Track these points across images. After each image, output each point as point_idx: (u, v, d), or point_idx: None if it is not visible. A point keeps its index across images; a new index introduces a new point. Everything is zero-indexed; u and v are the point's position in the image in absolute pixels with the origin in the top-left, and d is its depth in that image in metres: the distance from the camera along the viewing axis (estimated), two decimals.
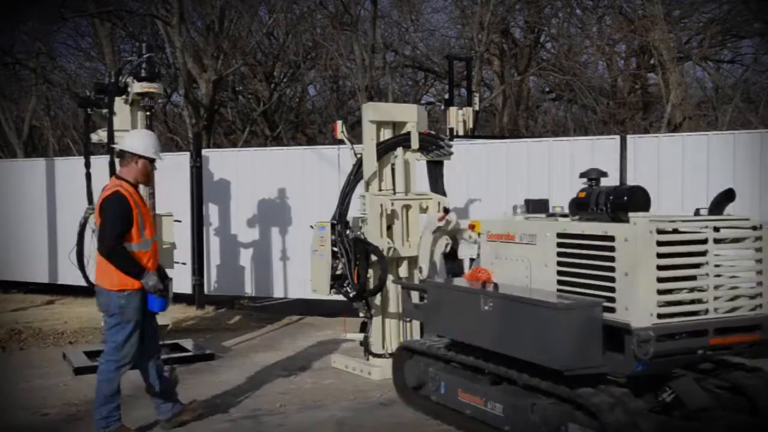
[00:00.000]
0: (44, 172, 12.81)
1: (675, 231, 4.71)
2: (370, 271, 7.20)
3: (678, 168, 9.47)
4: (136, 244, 5.35)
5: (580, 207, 5.14)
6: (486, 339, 5.09)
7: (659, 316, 4.45)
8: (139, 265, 5.34)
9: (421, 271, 6.37)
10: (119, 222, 5.27)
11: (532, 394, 4.93)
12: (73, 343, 8.96)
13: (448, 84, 9.24)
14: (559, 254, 5.01)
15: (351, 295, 7.24)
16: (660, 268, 4.48)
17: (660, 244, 4.49)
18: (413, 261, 7.48)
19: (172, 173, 11.25)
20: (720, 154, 9.28)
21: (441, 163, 7.69)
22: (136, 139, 5.61)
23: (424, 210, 7.39)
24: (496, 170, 10.17)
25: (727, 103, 15.60)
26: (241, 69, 17.76)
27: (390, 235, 7.17)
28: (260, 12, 17.61)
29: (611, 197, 4.87)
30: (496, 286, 5.32)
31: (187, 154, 11.50)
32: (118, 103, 7.55)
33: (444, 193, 7.59)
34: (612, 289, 4.58)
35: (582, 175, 5.37)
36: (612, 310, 4.54)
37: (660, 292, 4.46)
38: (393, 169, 7.49)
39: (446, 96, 8.73)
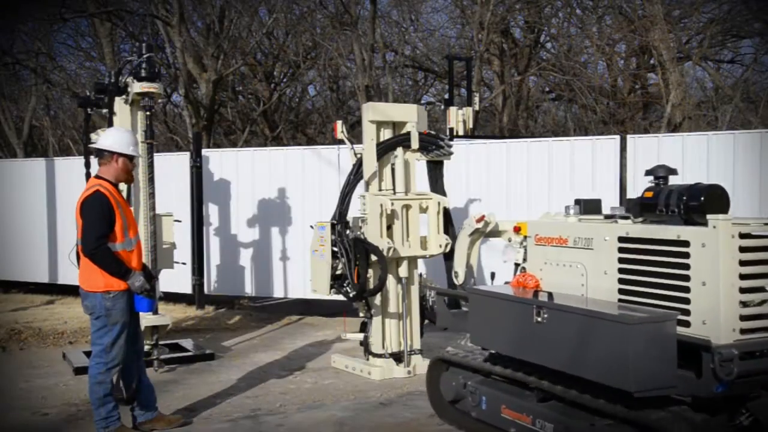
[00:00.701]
0: (44, 172, 12.81)
1: (760, 236, 4.16)
2: (370, 271, 7.20)
3: (678, 168, 9.43)
4: (119, 243, 5.26)
5: (646, 208, 4.57)
6: (539, 354, 4.61)
7: (742, 331, 3.98)
8: (124, 266, 5.25)
9: (456, 276, 6.00)
10: (101, 222, 5.17)
11: (588, 414, 4.47)
12: (73, 343, 8.95)
13: (448, 84, 9.24)
14: (622, 260, 4.51)
15: (351, 295, 7.25)
16: (743, 277, 4.00)
17: (743, 249, 4.00)
18: (413, 261, 7.48)
19: (172, 173, 11.29)
20: (720, 154, 9.28)
21: (441, 163, 7.69)
22: (112, 136, 5.49)
23: (424, 210, 7.39)
24: (496, 170, 10.18)
25: (727, 103, 15.60)
26: (241, 69, 17.76)
27: (390, 235, 7.17)
28: (260, 12, 17.60)
29: (685, 197, 4.31)
30: (550, 295, 4.80)
31: (187, 154, 11.50)
32: (118, 103, 7.55)
33: (444, 193, 7.59)
34: (686, 301, 4.09)
35: (648, 173, 4.88)
36: (686, 324, 4.06)
37: (743, 303, 3.99)
38: (393, 169, 7.48)
39: (446, 96, 8.73)
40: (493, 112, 18.12)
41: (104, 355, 5.27)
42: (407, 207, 7.34)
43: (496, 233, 5.95)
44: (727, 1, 15.56)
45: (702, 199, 4.27)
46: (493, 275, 6.15)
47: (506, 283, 5.49)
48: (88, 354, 7.80)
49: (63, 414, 6.20)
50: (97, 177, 5.44)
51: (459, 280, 6.02)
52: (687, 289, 4.11)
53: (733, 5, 15.51)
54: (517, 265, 5.53)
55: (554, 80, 17.19)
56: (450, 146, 7.57)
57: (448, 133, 7.69)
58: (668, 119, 14.08)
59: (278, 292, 11.28)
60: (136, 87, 7.36)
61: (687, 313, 4.09)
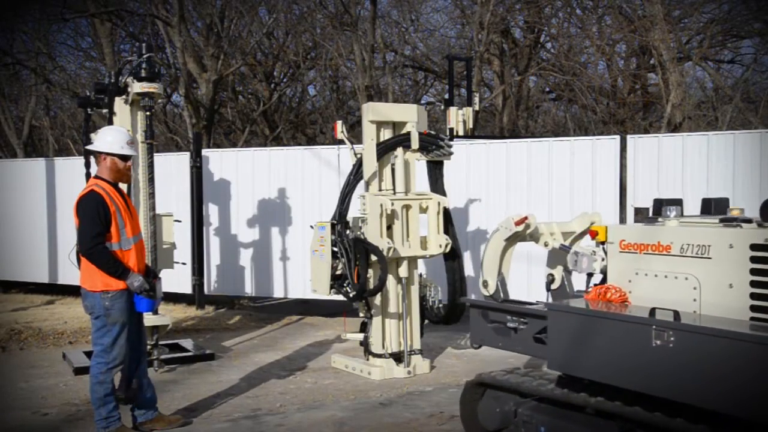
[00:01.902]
0: (44, 172, 12.81)
1: None
2: (370, 271, 7.20)
3: (678, 168, 9.48)
4: (116, 243, 5.25)
5: None
6: (655, 383, 3.94)
7: None
8: (122, 266, 5.23)
9: (486, 286, 5.48)
10: (95, 221, 5.15)
11: None
12: (73, 343, 8.96)
13: (448, 84, 9.23)
14: (755, 272, 3.86)
15: (351, 295, 7.25)
16: None
17: None
18: (413, 261, 7.48)
19: (172, 173, 11.30)
20: (720, 154, 9.28)
21: (441, 163, 7.68)
22: (101, 137, 5.48)
23: (424, 210, 7.39)
24: (496, 170, 10.18)
25: (727, 103, 15.60)
26: (241, 69, 17.76)
27: (390, 235, 7.17)
28: (260, 12, 17.61)
29: None
30: (677, 314, 3.99)
31: (187, 154, 11.50)
32: (118, 103, 7.55)
33: (444, 193, 7.59)
34: None
35: None
36: None
37: None
38: (393, 169, 7.49)
39: (446, 96, 8.72)
40: (493, 112, 18.12)
41: (105, 355, 5.27)
42: (407, 207, 7.34)
43: (531, 237, 5.42)
44: (727, 1, 15.57)
45: None
46: (548, 286, 5.51)
47: (578, 293, 4.96)
48: (88, 354, 7.82)
49: (63, 414, 6.20)
50: (96, 177, 5.45)
51: (489, 290, 5.50)
52: None
53: (733, 5, 15.52)
54: (590, 275, 4.94)
55: (554, 80, 17.20)
56: (450, 146, 7.57)
57: (448, 133, 7.68)
58: (668, 119, 14.08)
59: (278, 292, 11.29)
60: (136, 87, 7.35)
61: None
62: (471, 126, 7.89)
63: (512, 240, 5.39)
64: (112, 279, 5.21)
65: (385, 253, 6.98)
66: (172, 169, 11.34)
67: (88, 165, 7.74)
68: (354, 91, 17.94)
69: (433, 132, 7.73)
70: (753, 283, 3.89)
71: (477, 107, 8.21)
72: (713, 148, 9.33)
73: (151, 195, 7.53)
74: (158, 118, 17.21)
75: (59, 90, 18.77)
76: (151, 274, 5.59)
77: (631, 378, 4.07)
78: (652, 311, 4.07)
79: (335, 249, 7.29)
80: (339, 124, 7.87)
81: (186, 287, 11.16)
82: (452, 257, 7.45)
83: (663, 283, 4.29)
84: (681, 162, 9.47)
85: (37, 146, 21.31)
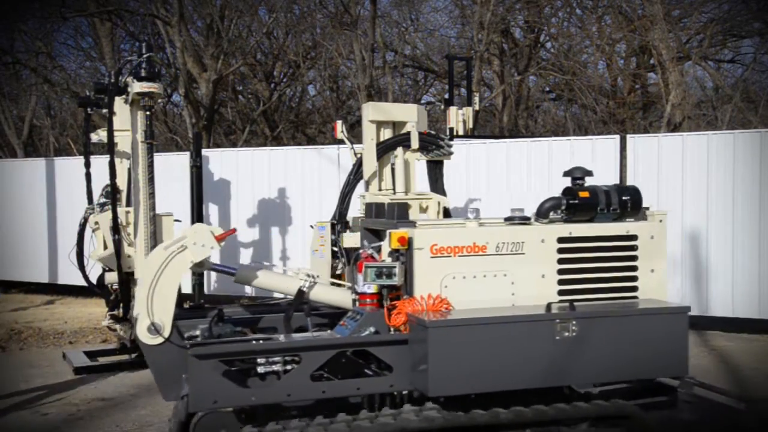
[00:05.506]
0: (44, 172, 12.81)
1: None
2: None
3: (678, 168, 9.48)
4: None
5: (585, 208, 4.81)
6: (557, 375, 4.35)
7: None
8: None
9: (159, 330, 4.42)
10: None
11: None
12: (73, 343, 8.96)
13: (448, 84, 9.23)
14: (562, 261, 4.70)
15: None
16: None
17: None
18: None
19: (172, 173, 11.29)
20: (720, 154, 9.29)
21: (441, 163, 7.68)
22: None
23: (423, 210, 7.38)
24: (496, 170, 10.18)
25: (727, 103, 15.61)
26: (241, 69, 17.76)
27: None
28: (260, 12, 17.62)
29: (626, 196, 4.84)
30: (572, 305, 4.46)
31: (187, 154, 11.49)
32: (118, 102, 7.54)
33: (444, 193, 7.58)
34: (635, 288, 4.75)
35: (566, 174, 5.09)
36: None
37: None
38: (393, 169, 7.48)
39: (446, 96, 8.72)
40: (493, 112, 18.13)
41: None
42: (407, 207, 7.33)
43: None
44: (727, 1, 15.57)
45: (639, 197, 4.81)
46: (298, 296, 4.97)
47: (354, 313, 4.64)
48: (88, 354, 7.83)
49: (63, 414, 6.20)
50: None
51: (165, 333, 4.42)
52: (635, 278, 4.70)
53: (733, 5, 15.53)
54: (391, 287, 4.55)
55: (554, 80, 17.20)
56: (450, 146, 7.56)
57: (448, 133, 7.68)
58: (668, 119, 14.09)
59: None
60: (136, 87, 7.34)
61: (635, 297, 4.71)
62: (471, 126, 7.89)
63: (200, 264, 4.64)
64: None
65: None
66: (172, 169, 11.33)
67: (88, 165, 7.75)
68: (354, 91, 17.95)
69: (433, 132, 7.72)
70: (560, 271, 4.62)
71: (477, 107, 8.20)
72: (713, 147, 9.33)
73: (151, 195, 7.52)
74: (158, 118, 17.21)
75: (59, 90, 18.78)
76: None
77: (532, 376, 4.29)
78: (549, 306, 4.41)
79: (335, 249, 7.28)
80: (339, 123, 7.87)
81: (186, 287, 11.14)
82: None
83: (481, 283, 4.53)
84: (681, 162, 9.47)
85: (38, 146, 21.31)
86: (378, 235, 5.26)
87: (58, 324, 10.00)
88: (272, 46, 18.91)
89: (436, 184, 7.62)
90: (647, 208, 4.98)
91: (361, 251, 5.03)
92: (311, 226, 7.64)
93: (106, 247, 7.53)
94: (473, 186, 10.21)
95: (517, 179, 10.05)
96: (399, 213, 5.21)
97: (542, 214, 4.82)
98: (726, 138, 9.41)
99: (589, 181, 5.01)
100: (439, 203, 7.37)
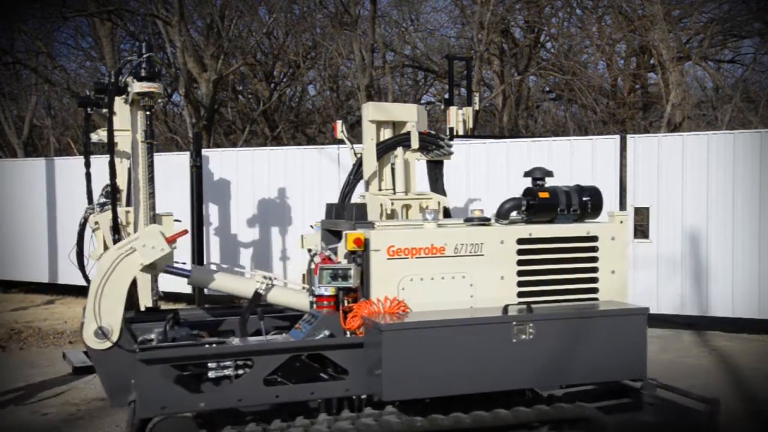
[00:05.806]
0: (44, 172, 12.81)
1: None
2: None
3: (678, 168, 9.48)
4: None
5: (544, 208, 4.80)
6: (517, 378, 4.30)
7: None
8: None
9: (108, 334, 4.34)
10: None
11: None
12: (73, 343, 8.95)
13: (448, 84, 9.23)
14: (521, 262, 4.63)
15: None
16: None
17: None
18: None
19: (172, 173, 11.28)
20: (720, 154, 9.29)
21: (441, 163, 7.68)
22: None
23: (424, 209, 7.38)
24: (496, 170, 10.18)
25: (727, 103, 15.61)
26: (241, 69, 17.76)
27: None
28: (260, 12, 17.62)
29: (586, 197, 4.86)
30: (529, 307, 4.42)
31: (187, 153, 11.49)
32: (118, 102, 7.54)
33: (444, 193, 7.58)
34: (595, 290, 4.74)
35: (527, 174, 5.12)
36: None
37: None
38: (393, 169, 7.48)
39: (446, 96, 8.72)
40: (493, 112, 18.13)
41: None
42: (407, 207, 7.33)
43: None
44: (727, 1, 15.58)
45: (599, 198, 4.81)
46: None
47: (313, 317, 4.51)
48: (87, 354, 7.82)
49: (63, 414, 6.21)
50: None
51: (113, 338, 4.34)
52: (596, 279, 4.68)
53: (733, 5, 15.53)
54: (347, 289, 4.45)
55: (554, 80, 17.21)
56: (450, 146, 7.57)
57: (448, 133, 7.68)
58: (668, 119, 14.09)
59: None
60: (136, 87, 7.34)
61: (596, 299, 4.70)
62: (471, 126, 7.89)
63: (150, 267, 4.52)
64: None
65: None
66: (172, 169, 11.32)
67: (88, 164, 7.74)
68: (354, 91, 17.95)
69: (433, 132, 7.73)
70: (519, 273, 4.56)
71: (477, 107, 8.20)
72: (713, 148, 9.33)
73: (151, 195, 7.53)
74: (158, 118, 17.21)
75: (59, 90, 18.78)
76: None
77: (490, 380, 4.23)
78: (506, 308, 4.33)
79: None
80: (339, 123, 7.87)
81: (186, 287, 11.14)
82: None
83: (439, 285, 4.45)
84: (681, 162, 9.47)
85: (38, 146, 21.31)
86: (338, 236, 5.18)
87: (58, 324, 10.00)
88: (272, 46, 18.92)
89: (436, 184, 7.62)
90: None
91: (318, 253, 4.94)
92: (311, 226, 7.64)
93: (106, 247, 7.53)
94: (473, 186, 10.21)
95: (517, 179, 10.03)
96: (357, 214, 5.16)
97: (502, 214, 4.76)
98: (726, 138, 9.41)
99: (549, 182, 4.99)
100: (439, 203, 7.37)
